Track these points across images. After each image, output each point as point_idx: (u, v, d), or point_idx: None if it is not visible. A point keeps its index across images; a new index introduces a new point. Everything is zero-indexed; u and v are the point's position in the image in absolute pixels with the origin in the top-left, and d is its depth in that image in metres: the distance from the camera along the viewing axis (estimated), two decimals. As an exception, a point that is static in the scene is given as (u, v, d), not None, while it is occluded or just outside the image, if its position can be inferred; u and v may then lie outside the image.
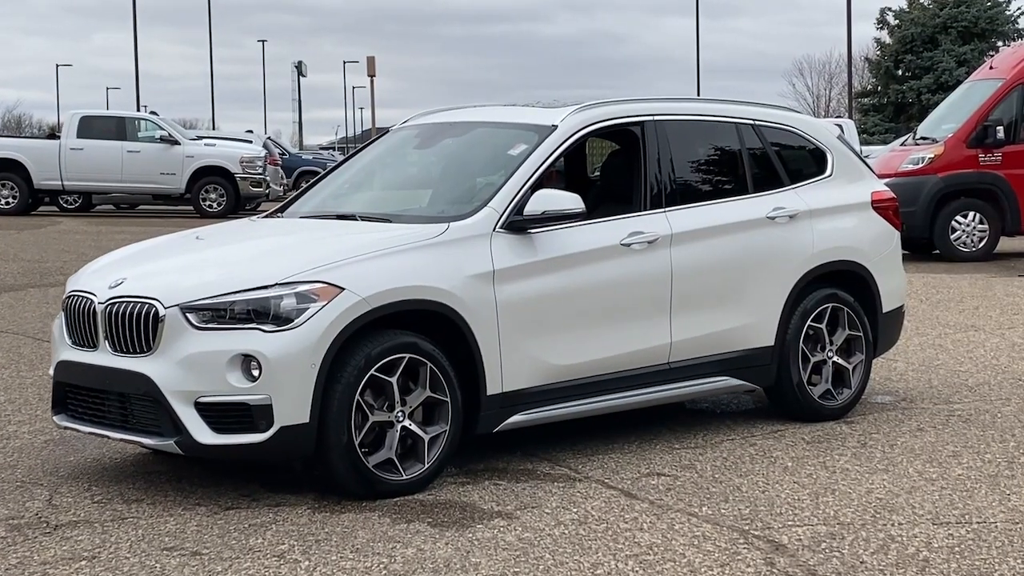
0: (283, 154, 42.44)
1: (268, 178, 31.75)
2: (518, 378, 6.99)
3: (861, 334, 8.39)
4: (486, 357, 6.83)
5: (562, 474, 7.03)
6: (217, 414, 6.30)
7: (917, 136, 20.36)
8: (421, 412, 6.69)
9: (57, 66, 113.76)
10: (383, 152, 8.36)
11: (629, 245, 7.41)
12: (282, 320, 6.30)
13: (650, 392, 7.57)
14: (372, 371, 6.45)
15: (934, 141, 19.54)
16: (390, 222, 7.20)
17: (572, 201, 7.06)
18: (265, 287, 6.37)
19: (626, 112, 7.75)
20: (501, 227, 7.00)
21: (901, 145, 20.84)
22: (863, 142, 39.17)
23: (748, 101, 8.53)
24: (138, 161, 29.91)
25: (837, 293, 8.29)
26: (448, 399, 6.71)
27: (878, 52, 57.88)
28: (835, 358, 8.29)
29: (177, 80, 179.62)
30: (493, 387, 6.89)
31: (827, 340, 8.25)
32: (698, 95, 47.15)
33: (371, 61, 57.05)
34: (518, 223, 7.03)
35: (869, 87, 60.48)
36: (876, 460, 7.25)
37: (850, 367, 8.35)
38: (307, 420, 6.30)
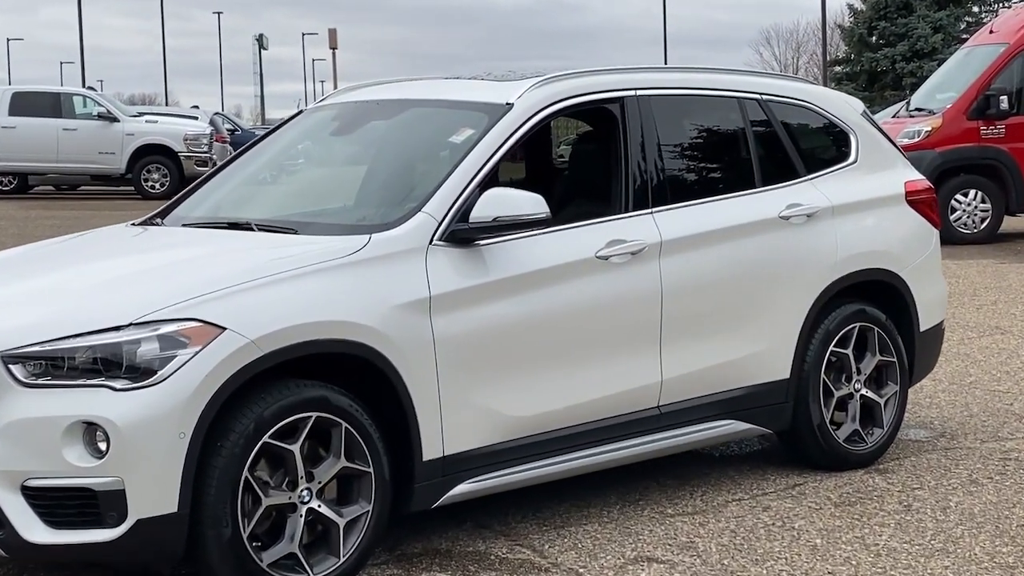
0: (234, 130, 40.42)
1: (215, 156, 29.90)
2: (464, 437, 5.33)
3: (895, 359, 6.75)
4: (421, 412, 5.17)
5: (523, 559, 5.37)
6: (52, 503, 4.62)
7: (911, 107, 18.71)
8: (335, 488, 5.04)
9: (8, 40, 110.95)
10: (295, 140, 6.61)
11: (607, 258, 5.74)
12: (140, 373, 4.62)
13: (636, 445, 5.91)
14: (266, 438, 4.80)
15: (931, 113, 17.90)
16: (295, 233, 5.50)
17: (532, 203, 5.39)
18: (117, 328, 4.68)
19: (601, 85, 6.07)
20: (440, 239, 5.32)
21: (893, 117, 19.19)
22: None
23: (752, 70, 6.87)
24: (75, 139, 28.06)
25: (865, 310, 6.64)
26: (371, 469, 5.05)
27: (851, 19, 56.30)
28: (864, 391, 6.65)
29: (134, 55, 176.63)
30: (431, 450, 5.23)
31: (854, 369, 6.61)
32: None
33: (332, 33, 55.36)
34: (462, 233, 5.36)
35: (842, 55, 58.95)
36: (929, 533, 5.62)
37: (882, 401, 6.71)
38: (175, 509, 4.63)
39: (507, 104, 5.75)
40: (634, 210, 5.95)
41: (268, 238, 5.48)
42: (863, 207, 6.72)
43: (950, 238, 17.24)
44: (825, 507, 6.01)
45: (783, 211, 6.40)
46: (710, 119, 6.50)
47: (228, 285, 4.86)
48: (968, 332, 10.57)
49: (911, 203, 6.96)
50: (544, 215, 5.40)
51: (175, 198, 6.39)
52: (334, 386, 5.00)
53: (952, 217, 17.31)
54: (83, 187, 33.12)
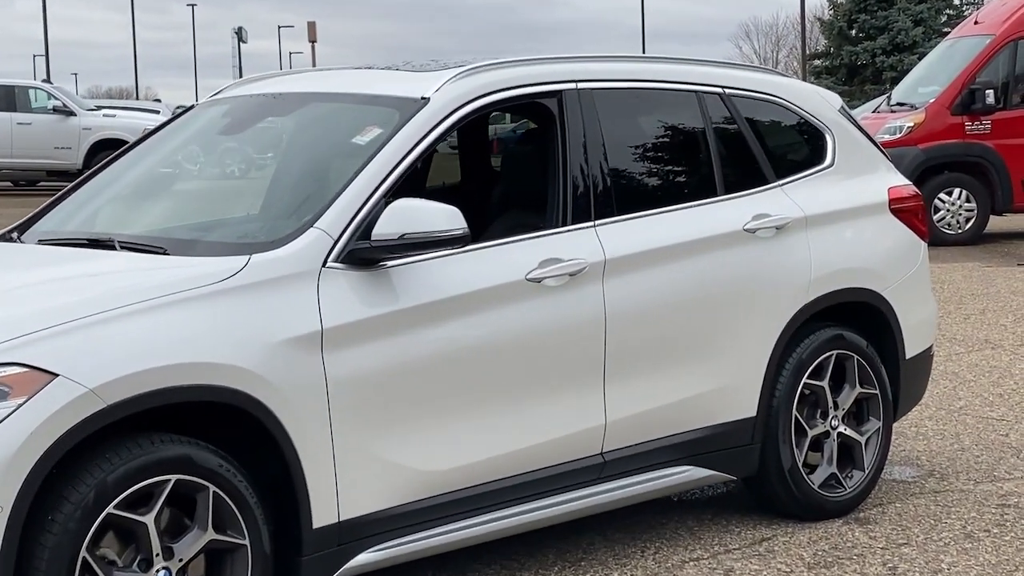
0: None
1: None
2: (366, 497, 4.46)
3: (877, 391, 5.89)
4: (310, 470, 4.30)
5: (437, 642, 4.50)
6: None
7: (892, 102, 17.87)
8: (202, 565, 4.16)
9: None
10: (183, 140, 5.69)
11: (540, 280, 4.87)
12: (-53, 432, 3.73)
13: (576, 500, 5.03)
14: (110, 508, 3.92)
15: (913, 107, 17.06)
16: (164, 253, 4.60)
17: (447, 218, 4.51)
18: (-80, 375, 3.79)
19: (536, 77, 5.19)
20: (336, 260, 4.45)
21: (874, 112, 18.36)
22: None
23: (714, 60, 5.97)
24: (29, 134, 27.14)
25: (843, 335, 5.78)
26: (246, 542, 4.17)
27: (831, 12, 55.61)
28: (842, 428, 5.79)
29: (113, 48, 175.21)
30: (323, 515, 4.35)
31: (830, 403, 5.75)
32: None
33: (311, 26, 54.50)
34: (363, 253, 4.48)
35: (821, 49, 58.32)
36: (918, 606, 4.76)
37: (862, 440, 5.85)
38: (-9, 601, 3.75)
39: (422, 99, 4.87)
40: (574, 223, 5.07)
41: (129, 260, 4.58)
42: (841, 217, 5.86)
43: (933, 239, 16.29)
44: (797, 569, 5.14)
45: (749, 223, 5.53)
46: (664, 116, 5.63)
47: (65, 320, 3.96)
48: (955, 347, 9.72)
49: (896, 212, 6.10)
50: (461, 232, 4.52)
51: (39, 208, 5.49)
52: (200, 442, 4.12)
53: (936, 217, 16.49)
54: (42, 183, 32.11)
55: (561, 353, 4.94)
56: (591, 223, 5.09)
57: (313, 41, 53.67)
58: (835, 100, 6.22)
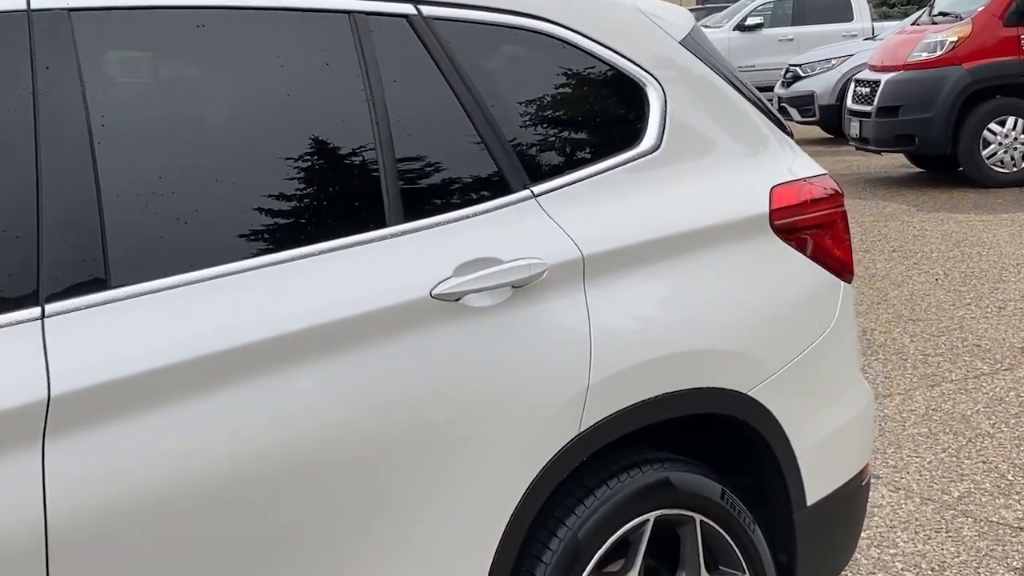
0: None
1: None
2: None
3: (747, 575, 3.11)
4: None
5: None
6: None
7: (934, 12, 14.75)
8: None
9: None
10: None
11: None
12: None
13: None
14: None
15: (958, 18, 13.93)
16: None
17: None
18: None
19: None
20: None
21: (913, 24, 15.25)
22: (880, 16, 33.33)
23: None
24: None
25: (670, 481, 2.98)
26: None
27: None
28: (669, 658, 3.02)
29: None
30: None
31: (644, 614, 2.97)
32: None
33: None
34: None
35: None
36: None
37: (715, 673, 3.09)
38: None
39: None
40: None
41: None
42: (665, 251, 3.02)
43: (982, 180, 13.44)
44: None
45: (446, 281, 2.70)
46: (265, 67, 2.77)
47: None
48: (977, 362, 6.83)
49: (784, 231, 3.24)
50: None
51: None
52: None
53: (985, 153, 13.41)
54: None
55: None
56: (34, 310, 2.32)
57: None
58: (682, 20, 3.34)
